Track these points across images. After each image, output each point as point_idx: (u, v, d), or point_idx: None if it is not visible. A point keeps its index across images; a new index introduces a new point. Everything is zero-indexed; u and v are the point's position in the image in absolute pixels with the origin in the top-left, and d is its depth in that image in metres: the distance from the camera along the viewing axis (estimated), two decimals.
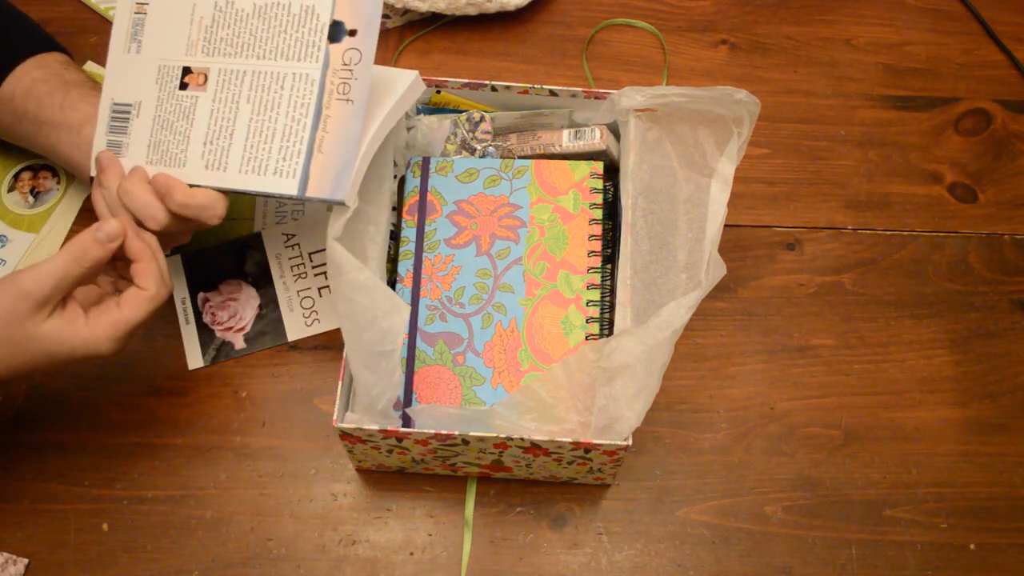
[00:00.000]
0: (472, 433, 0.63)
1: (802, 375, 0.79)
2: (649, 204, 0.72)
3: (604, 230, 0.73)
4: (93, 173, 0.70)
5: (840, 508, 0.74)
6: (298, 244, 0.82)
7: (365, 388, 0.64)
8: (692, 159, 0.73)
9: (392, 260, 0.75)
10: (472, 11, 0.94)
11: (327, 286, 0.80)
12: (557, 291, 0.71)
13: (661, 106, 0.73)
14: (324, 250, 0.76)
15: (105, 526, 0.71)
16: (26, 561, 0.69)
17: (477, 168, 0.76)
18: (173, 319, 0.79)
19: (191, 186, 0.66)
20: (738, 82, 0.93)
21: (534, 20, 0.97)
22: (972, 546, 0.73)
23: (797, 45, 0.97)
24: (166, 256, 0.80)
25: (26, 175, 0.85)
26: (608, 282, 0.73)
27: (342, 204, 0.64)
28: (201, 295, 0.80)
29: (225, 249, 0.82)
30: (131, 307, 0.62)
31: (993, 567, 0.72)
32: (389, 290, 0.62)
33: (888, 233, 0.86)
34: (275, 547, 0.71)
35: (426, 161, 0.76)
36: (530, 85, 0.77)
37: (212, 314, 0.79)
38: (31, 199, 0.84)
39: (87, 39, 0.92)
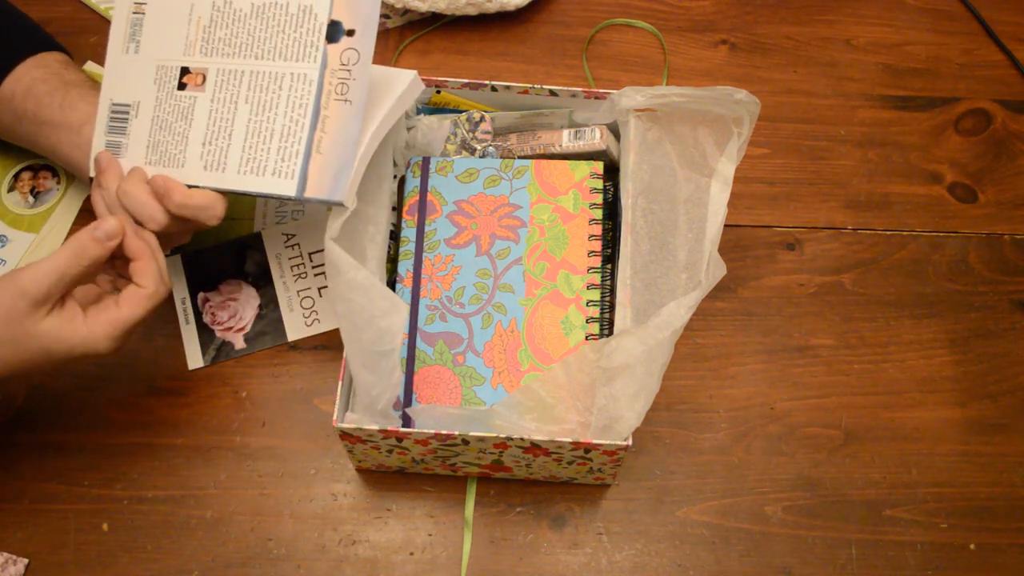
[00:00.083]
0: (472, 433, 0.63)
1: (802, 375, 0.79)
2: (649, 204, 0.72)
3: (604, 230, 0.73)
4: (92, 174, 0.70)
5: (840, 508, 0.74)
6: (298, 244, 0.82)
7: (365, 388, 0.64)
8: (692, 159, 0.73)
9: (392, 260, 0.75)
10: (472, 11, 0.94)
11: (327, 286, 0.80)
12: (557, 291, 0.71)
13: (661, 106, 0.73)
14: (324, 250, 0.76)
15: (105, 526, 0.71)
16: (26, 561, 0.70)
17: (477, 168, 0.76)
18: (173, 319, 0.79)
19: (190, 187, 0.66)
20: (738, 82, 0.93)
21: (534, 20, 0.97)
22: (972, 546, 0.73)
23: (797, 45, 0.97)
24: (166, 256, 0.80)
25: (26, 175, 0.85)
26: (608, 282, 0.73)
27: (340, 205, 0.64)
28: (201, 295, 0.80)
29: (225, 249, 0.82)
30: (130, 305, 0.62)
31: (993, 567, 0.72)
32: (387, 290, 0.62)
33: (888, 233, 0.86)
34: (275, 547, 0.71)
35: (426, 161, 0.76)
36: (530, 85, 0.76)
37: (212, 314, 0.79)
38: (31, 199, 0.84)
39: (87, 39, 0.92)
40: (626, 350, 0.62)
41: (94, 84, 0.75)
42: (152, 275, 0.63)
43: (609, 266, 0.73)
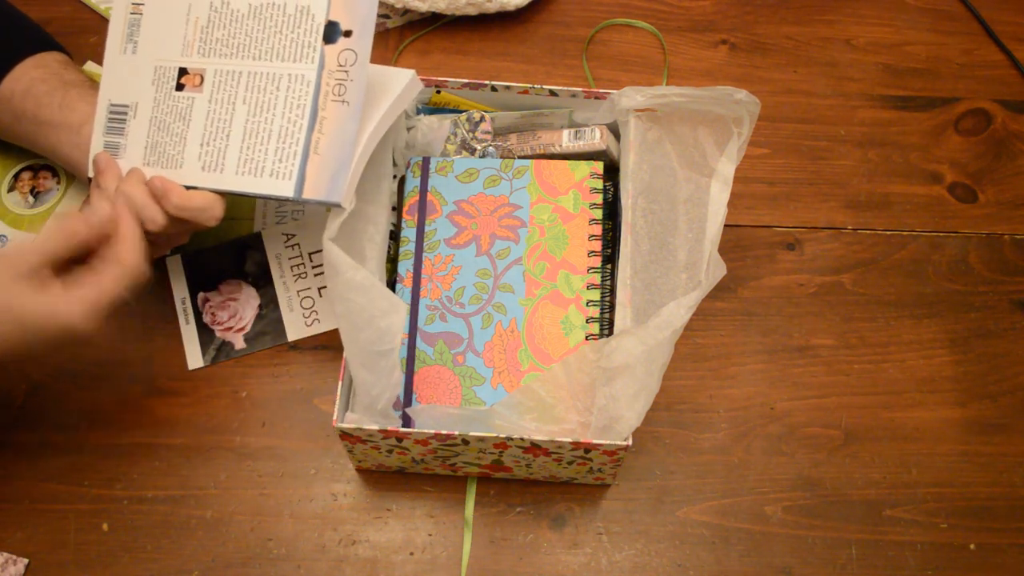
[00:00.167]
0: (472, 433, 0.63)
1: (802, 375, 0.79)
2: (649, 204, 0.72)
3: (604, 230, 0.73)
4: (91, 175, 0.70)
5: (840, 508, 0.74)
6: (298, 244, 0.82)
7: (365, 388, 0.64)
8: (692, 159, 0.73)
9: (392, 260, 0.75)
10: (472, 11, 0.94)
11: (327, 286, 0.80)
12: (557, 291, 0.71)
13: (661, 106, 0.73)
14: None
15: (105, 526, 0.71)
16: (26, 561, 0.70)
17: (477, 168, 0.76)
18: (173, 319, 0.79)
19: (188, 188, 0.66)
20: (738, 82, 0.93)
21: (534, 20, 0.97)
22: (972, 546, 0.73)
23: (797, 45, 0.97)
24: (166, 256, 0.81)
25: (26, 175, 0.85)
26: (608, 282, 0.73)
27: (338, 206, 0.64)
28: (201, 295, 0.80)
29: (225, 249, 0.82)
30: (109, 278, 0.62)
31: (993, 567, 0.72)
32: (386, 289, 0.62)
33: (888, 233, 0.86)
34: (275, 547, 0.71)
35: (426, 161, 0.76)
36: (530, 85, 0.76)
37: (212, 314, 0.79)
38: (31, 199, 0.84)
39: (87, 39, 0.92)
40: (626, 350, 0.62)
41: (94, 84, 0.75)
42: (133, 251, 0.63)
43: (609, 266, 0.73)
